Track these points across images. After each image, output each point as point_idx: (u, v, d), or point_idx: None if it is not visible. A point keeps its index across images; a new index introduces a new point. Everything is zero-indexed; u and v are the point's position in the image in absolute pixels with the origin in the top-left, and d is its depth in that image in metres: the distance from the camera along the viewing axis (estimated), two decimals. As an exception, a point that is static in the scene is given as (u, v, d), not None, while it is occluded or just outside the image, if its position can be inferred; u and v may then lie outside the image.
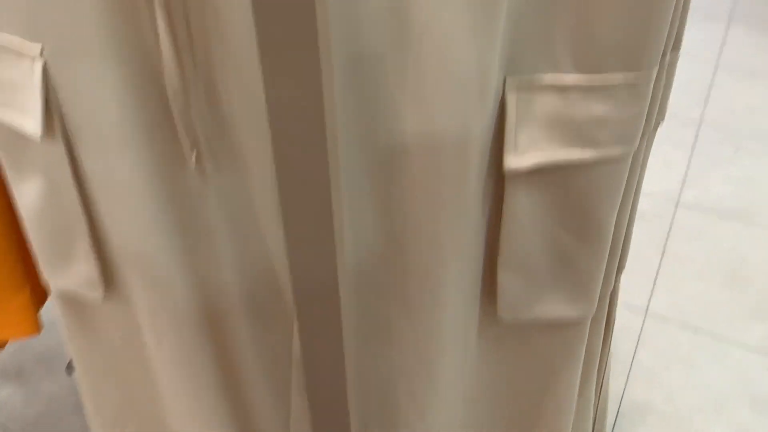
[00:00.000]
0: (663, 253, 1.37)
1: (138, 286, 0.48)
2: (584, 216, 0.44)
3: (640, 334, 1.22)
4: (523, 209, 0.43)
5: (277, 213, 0.43)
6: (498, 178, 0.43)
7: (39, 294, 0.69)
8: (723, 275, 1.32)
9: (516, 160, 0.40)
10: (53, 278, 0.52)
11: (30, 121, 0.41)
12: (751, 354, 1.18)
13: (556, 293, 0.47)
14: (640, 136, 0.42)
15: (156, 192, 0.43)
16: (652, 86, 0.40)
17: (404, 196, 0.41)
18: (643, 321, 1.24)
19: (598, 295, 0.49)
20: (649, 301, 1.28)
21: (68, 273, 0.50)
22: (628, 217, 0.49)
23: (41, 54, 0.39)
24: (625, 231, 0.50)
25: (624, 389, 1.14)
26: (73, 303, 0.54)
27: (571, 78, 0.38)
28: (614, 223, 0.46)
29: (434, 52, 0.35)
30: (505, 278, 0.46)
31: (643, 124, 0.42)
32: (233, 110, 0.39)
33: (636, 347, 1.20)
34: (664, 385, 1.14)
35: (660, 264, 1.36)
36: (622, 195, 0.45)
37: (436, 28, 0.34)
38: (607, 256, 0.47)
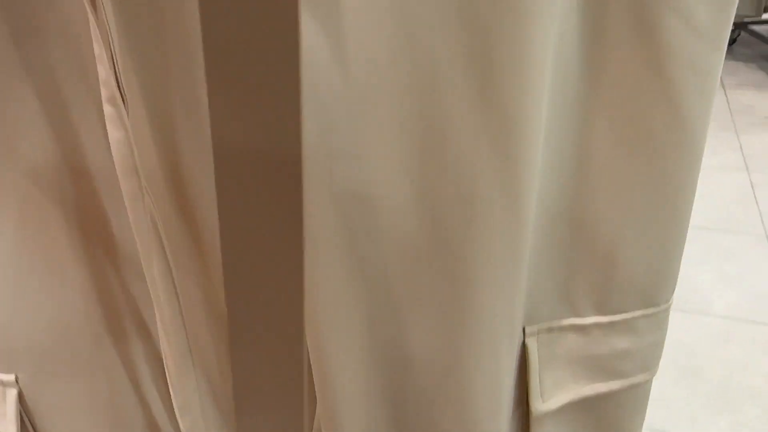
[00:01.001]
0: (617, 357, 1.38)
1: None
2: (613, 435, 0.42)
3: (613, 447, 1.21)
4: (551, 441, 0.41)
5: None
6: (523, 413, 0.40)
7: None
8: (676, 370, 1.34)
9: (543, 405, 0.38)
10: None
11: None
12: (720, 449, 1.19)
13: None
14: (661, 357, 0.41)
15: None
16: (670, 312, 0.39)
17: None
18: (613, 433, 1.23)
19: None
20: (614, 410, 1.28)
21: None
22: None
23: (15, 382, 0.34)
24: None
25: None
26: None
27: (591, 318, 0.37)
28: (642, 424, 0.44)
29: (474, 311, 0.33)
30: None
31: (663, 346, 0.41)
32: None
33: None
34: (647, 498, 1.12)
35: (616, 369, 1.36)
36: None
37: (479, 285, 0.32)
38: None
